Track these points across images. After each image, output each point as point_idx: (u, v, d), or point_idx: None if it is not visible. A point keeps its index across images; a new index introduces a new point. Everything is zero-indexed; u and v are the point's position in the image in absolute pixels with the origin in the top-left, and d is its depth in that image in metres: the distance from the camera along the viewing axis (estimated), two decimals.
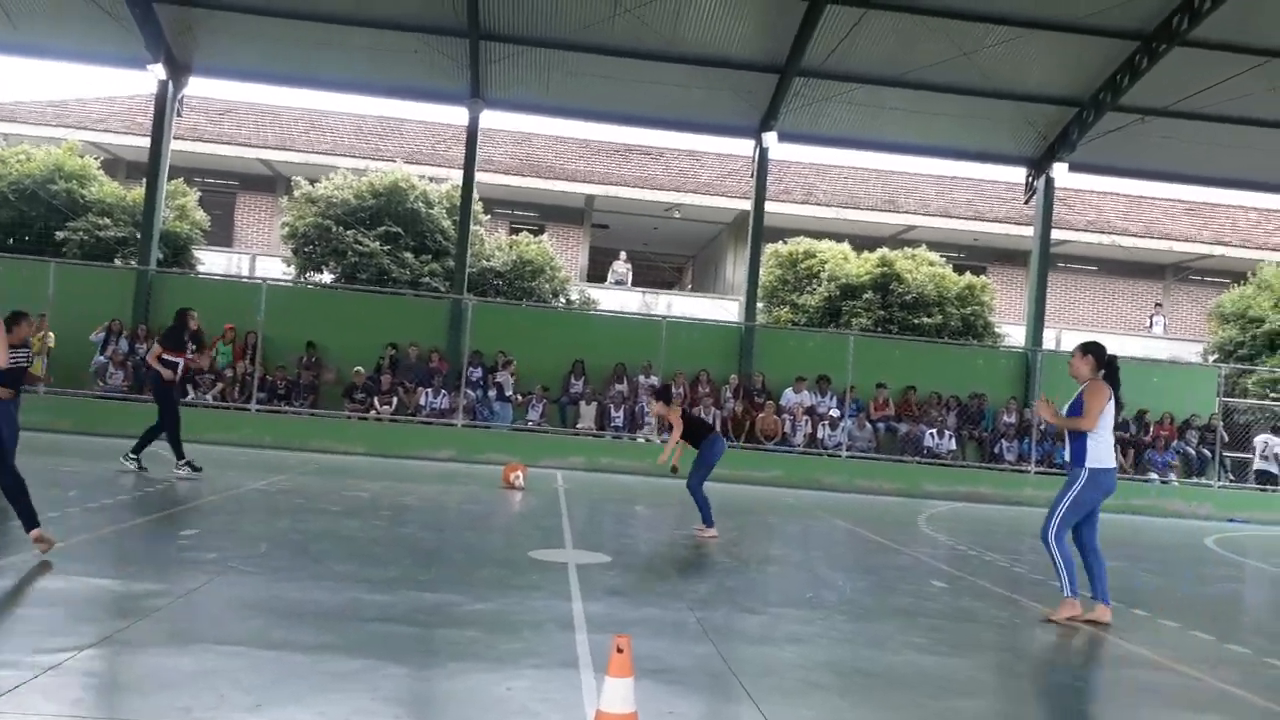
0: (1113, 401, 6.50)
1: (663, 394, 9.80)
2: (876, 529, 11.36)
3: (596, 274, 28.29)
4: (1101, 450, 6.45)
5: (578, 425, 17.07)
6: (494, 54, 17.54)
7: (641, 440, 16.92)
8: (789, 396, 17.98)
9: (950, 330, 21.06)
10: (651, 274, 31.69)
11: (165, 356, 10.73)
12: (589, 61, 17.80)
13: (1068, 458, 6.61)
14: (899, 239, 27.06)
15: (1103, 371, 6.61)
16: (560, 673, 4.37)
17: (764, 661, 4.92)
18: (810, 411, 17.79)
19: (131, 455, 10.69)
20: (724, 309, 24.75)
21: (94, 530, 7.05)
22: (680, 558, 8.07)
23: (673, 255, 34.02)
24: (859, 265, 21.72)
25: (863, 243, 24.00)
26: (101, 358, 16.54)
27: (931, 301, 21.06)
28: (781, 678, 4.63)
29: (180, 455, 10.70)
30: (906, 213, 27.39)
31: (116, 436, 14.60)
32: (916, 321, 20.72)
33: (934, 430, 17.69)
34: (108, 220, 19.60)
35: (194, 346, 11.62)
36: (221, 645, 4.37)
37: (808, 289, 21.86)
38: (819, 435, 17.59)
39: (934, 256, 22.30)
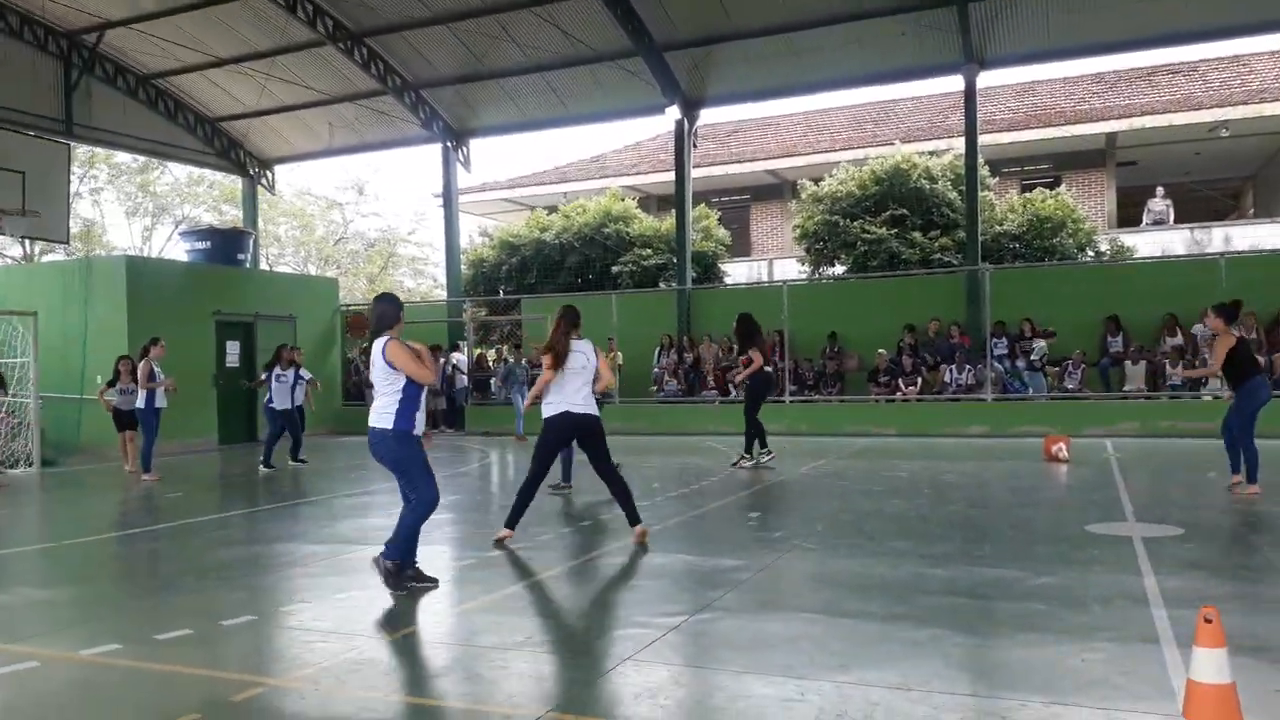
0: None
1: (1227, 311, 8.47)
2: None
3: (1128, 218, 25.42)
4: None
5: (1124, 388, 15.56)
6: (984, 12, 16.78)
7: (1208, 398, 14.88)
8: None
9: None
10: (1198, 206, 27.53)
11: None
12: None
13: None
14: None
15: None
16: (1139, 647, 4.17)
17: None
18: None
19: (755, 451, 11.72)
20: None
21: (680, 515, 8.24)
22: (1270, 527, 7.05)
23: (1224, 180, 29.22)
24: None
25: None
26: (658, 369, 19.04)
27: None
28: None
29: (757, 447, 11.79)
30: None
31: (676, 434, 16.72)
32: None
33: None
34: (649, 251, 22.49)
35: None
36: (802, 613, 4.91)
37: None
38: None
39: None
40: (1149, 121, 23.29)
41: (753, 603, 5.17)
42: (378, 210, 54.95)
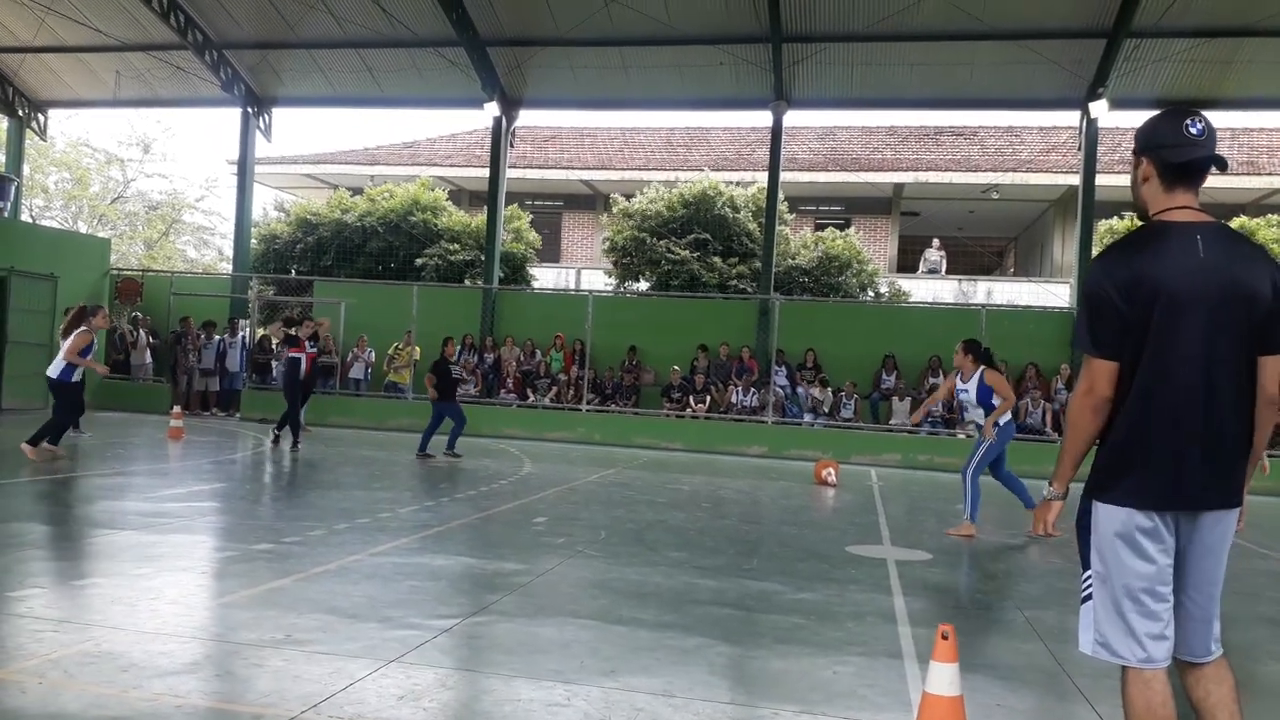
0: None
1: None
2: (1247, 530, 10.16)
3: (907, 264, 27.54)
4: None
5: (890, 421, 16.79)
6: (796, 55, 17.73)
7: (962, 436, 16.29)
8: None
9: None
10: (968, 260, 30.25)
11: (292, 354, 13.17)
12: (895, 50, 17.49)
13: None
14: (1261, 204, 23.82)
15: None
16: (884, 661, 4.48)
17: (1101, 663, 4.69)
18: None
19: (276, 431, 13.21)
20: (1052, 293, 23.12)
21: (465, 517, 8.12)
22: (1006, 557, 7.80)
23: (991, 239, 32.26)
24: None
25: (1216, 212, 21.26)
26: (456, 367, 18.70)
27: None
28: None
29: (279, 428, 13.11)
30: (1270, 174, 24.04)
31: (473, 436, 16.46)
32: None
33: None
34: (457, 245, 22.09)
35: (313, 344, 13.52)
36: (577, 619, 4.95)
37: None
38: None
39: None
40: (931, 177, 25.38)
41: (530, 607, 5.16)
42: (164, 172, 50.95)
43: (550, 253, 27.97)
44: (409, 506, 8.54)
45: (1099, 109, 17.29)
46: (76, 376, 10.41)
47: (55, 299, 17.37)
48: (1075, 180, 18.97)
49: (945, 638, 3.11)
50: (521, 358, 18.78)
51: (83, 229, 34.68)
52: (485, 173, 21.13)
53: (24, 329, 16.77)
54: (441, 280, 21.28)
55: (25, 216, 29.55)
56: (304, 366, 13.08)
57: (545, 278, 25.64)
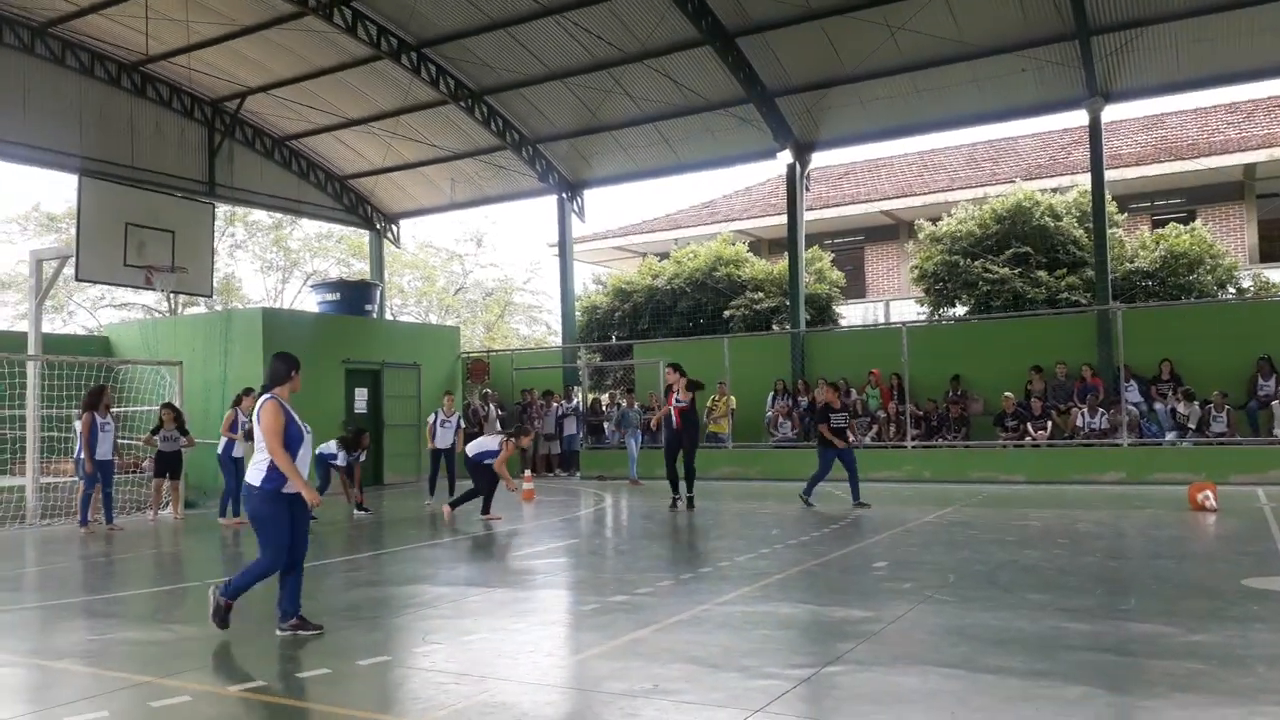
0: None
1: None
2: None
3: (1272, 253, 24.02)
4: None
5: (1276, 432, 14.59)
6: (1108, 46, 16.29)
7: None
8: None
9: None
10: None
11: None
12: (1225, 20, 15.54)
13: None
14: None
15: None
16: None
17: None
18: None
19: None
20: None
21: (802, 563, 8.08)
22: None
23: None
24: None
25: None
26: (771, 413, 18.84)
27: None
28: None
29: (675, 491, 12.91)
30: None
31: (791, 480, 16.47)
32: None
33: None
34: (761, 294, 22.41)
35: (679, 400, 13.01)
36: (939, 667, 4.72)
37: None
38: None
39: None
40: None
41: (885, 655, 5.01)
42: (495, 261, 56.66)
43: (855, 288, 27.52)
44: (745, 554, 8.64)
45: None
46: (490, 460, 11.98)
47: (420, 385, 19.71)
48: None
49: None
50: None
51: (434, 320, 39.22)
52: (782, 219, 21.29)
53: (396, 413, 19.17)
54: (749, 329, 21.61)
55: (388, 315, 33.99)
56: (674, 420, 12.95)
57: (852, 314, 25.23)
